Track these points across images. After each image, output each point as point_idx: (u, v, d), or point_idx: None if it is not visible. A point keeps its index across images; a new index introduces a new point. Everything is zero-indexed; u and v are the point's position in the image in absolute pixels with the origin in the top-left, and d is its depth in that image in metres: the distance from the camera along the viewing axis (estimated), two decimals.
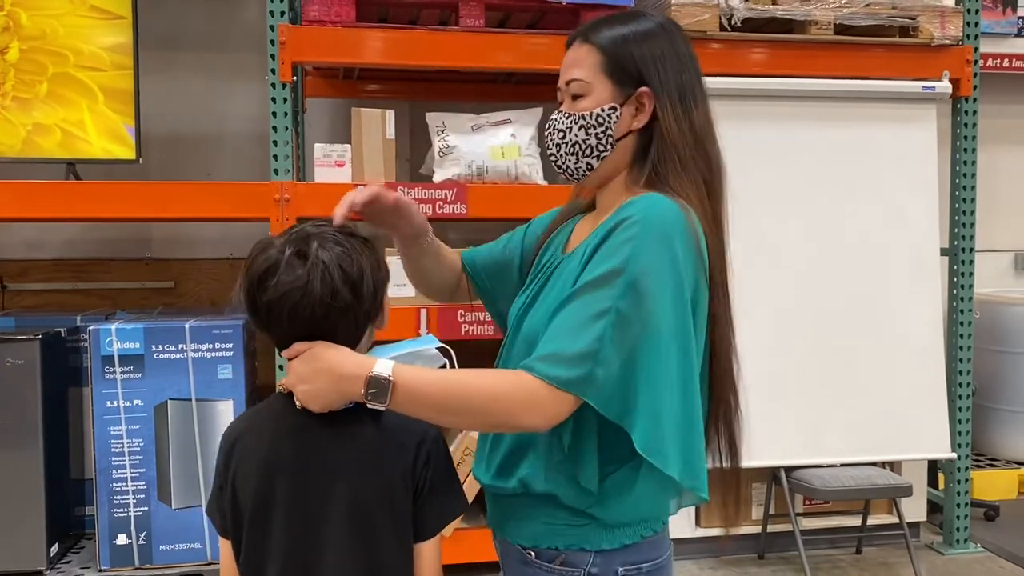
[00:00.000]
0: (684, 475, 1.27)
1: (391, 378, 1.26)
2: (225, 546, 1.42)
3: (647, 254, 1.24)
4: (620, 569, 1.35)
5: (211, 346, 3.20)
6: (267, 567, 1.33)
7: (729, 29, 3.43)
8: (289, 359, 1.32)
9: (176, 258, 4.16)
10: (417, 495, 1.35)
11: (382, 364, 1.27)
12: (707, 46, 3.46)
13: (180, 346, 3.18)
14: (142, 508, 3.14)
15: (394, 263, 3.48)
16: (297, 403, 1.33)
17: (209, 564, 3.22)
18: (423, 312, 3.27)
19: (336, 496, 1.31)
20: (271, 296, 1.30)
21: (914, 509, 3.75)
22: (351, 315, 1.32)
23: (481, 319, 3.32)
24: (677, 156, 1.35)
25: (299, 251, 1.31)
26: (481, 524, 3.48)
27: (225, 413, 3.22)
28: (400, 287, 3.30)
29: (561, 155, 1.45)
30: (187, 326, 3.18)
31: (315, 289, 1.28)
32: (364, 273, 1.33)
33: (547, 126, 1.50)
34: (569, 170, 1.46)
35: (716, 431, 1.40)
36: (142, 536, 3.15)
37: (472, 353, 4.26)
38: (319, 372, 1.30)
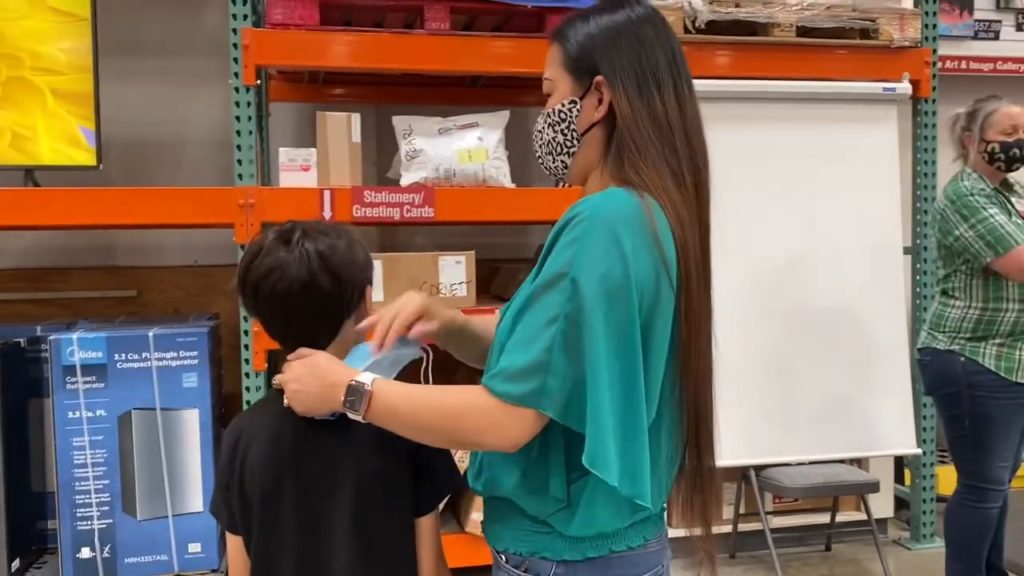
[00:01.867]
0: (623, 483, 1.19)
1: (369, 388, 1.27)
2: (234, 541, 1.46)
3: (590, 257, 1.18)
4: None
5: (176, 354, 3.15)
6: (280, 558, 1.37)
7: (693, 31, 3.45)
8: (290, 360, 1.38)
9: (138, 266, 4.09)
10: (416, 474, 1.41)
11: (366, 376, 1.29)
12: None
13: (144, 355, 3.12)
14: (106, 521, 3.08)
15: (377, 267, 3.46)
16: (285, 400, 1.37)
17: (177, 575, 3.17)
18: None
19: (342, 485, 1.36)
20: (255, 276, 1.37)
21: (881, 505, 3.80)
22: (329, 302, 1.39)
23: None
24: (635, 145, 1.28)
25: (284, 238, 1.39)
26: (455, 530, 3.46)
27: (191, 422, 3.17)
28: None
29: (542, 155, 1.45)
30: (151, 334, 3.12)
31: (292, 270, 1.35)
32: (344, 264, 1.39)
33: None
34: (550, 169, 1.44)
35: (693, 435, 1.32)
36: (106, 549, 3.08)
37: (443, 357, 4.23)
38: (312, 375, 1.33)
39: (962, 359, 2.83)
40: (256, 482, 1.38)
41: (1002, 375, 2.79)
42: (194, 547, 3.18)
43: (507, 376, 1.20)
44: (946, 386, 2.89)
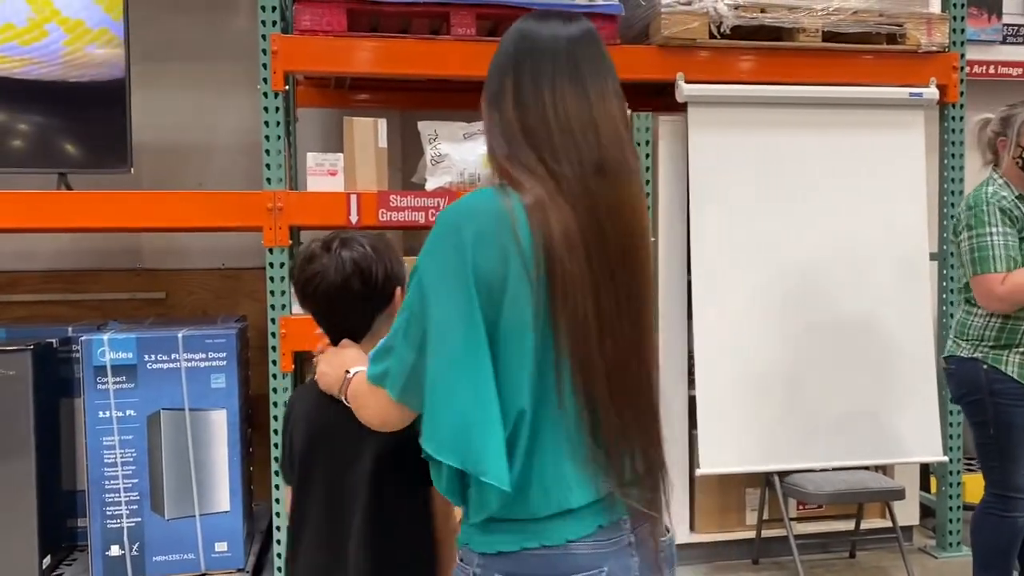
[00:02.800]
0: (466, 462, 1.19)
1: (349, 377, 1.52)
2: (288, 491, 1.73)
3: (429, 251, 1.28)
4: None
5: (204, 355, 3.19)
6: (312, 511, 1.63)
7: (718, 37, 3.46)
8: (328, 348, 1.66)
9: (167, 268, 4.15)
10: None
11: (357, 368, 1.51)
12: (696, 54, 3.48)
13: (173, 356, 3.17)
14: (135, 519, 3.13)
15: None
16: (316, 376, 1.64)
17: (203, 574, 3.21)
18: None
19: (362, 456, 1.57)
20: (302, 278, 1.65)
21: (907, 513, 3.76)
22: (360, 302, 1.64)
23: None
24: (506, 148, 1.31)
25: (326, 247, 1.65)
26: None
27: (219, 423, 3.21)
28: None
29: None
30: (180, 335, 3.17)
31: (330, 274, 1.61)
32: (374, 270, 1.62)
33: None
34: None
35: (621, 427, 1.27)
36: (135, 547, 3.13)
37: None
38: (333, 362, 1.59)
39: (985, 367, 2.81)
40: (297, 447, 1.66)
41: None
42: (220, 546, 3.22)
43: (371, 359, 1.38)
44: (970, 394, 2.88)
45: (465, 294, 1.21)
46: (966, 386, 2.89)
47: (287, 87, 3.35)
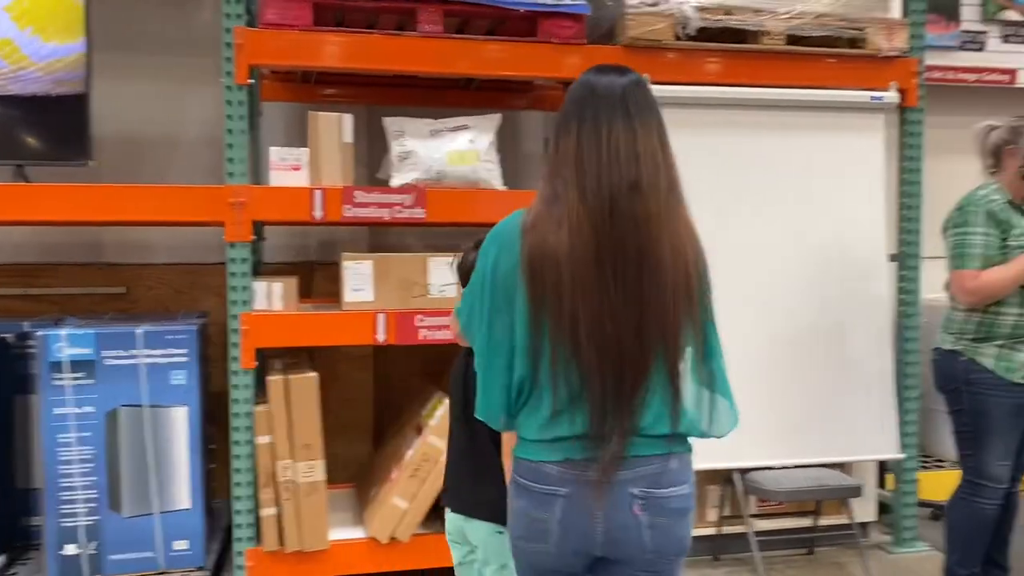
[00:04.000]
0: (480, 412, 1.75)
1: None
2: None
3: (479, 257, 1.76)
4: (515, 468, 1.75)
5: (164, 351, 3.15)
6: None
7: (684, 39, 3.48)
8: None
9: (128, 263, 4.09)
10: None
11: None
12: (662, 55, 3.51)
13: (132, 351, 3.13)
14: (92, 517, 3.08)
15: (350, 268, 3.47)
16: None
17: (162, 573, 3.17)
18: (381, 317, 3.26)
19: (460, 394, 2.27)
20: (466, 264, 2.23)
21: (864, 509, 3.83)
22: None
23: (439, 324, 3.32)
24: (542, 177, 1.72)
25: (478, 245, 1.90)
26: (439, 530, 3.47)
27: (179, 420, 3.17)
28: (358, 291, 3.30)
29: None
30: (140, 331, 3.13)
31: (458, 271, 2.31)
32: (462, 265, 2.27)
33: None
34: None
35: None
36: (92, 546, 3.09)
37: (433, 357, 4.24)
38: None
39: (963, 359, 2.98)
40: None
41: (1000, 375, 2.92)
42: (180, 544, 3.19)
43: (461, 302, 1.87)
44: (949, 384, 3.05)
45: (493, 292, 1.68)
46: (946, 376, 3.07)
47: (251, 81, 3.32)
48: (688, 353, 1.66)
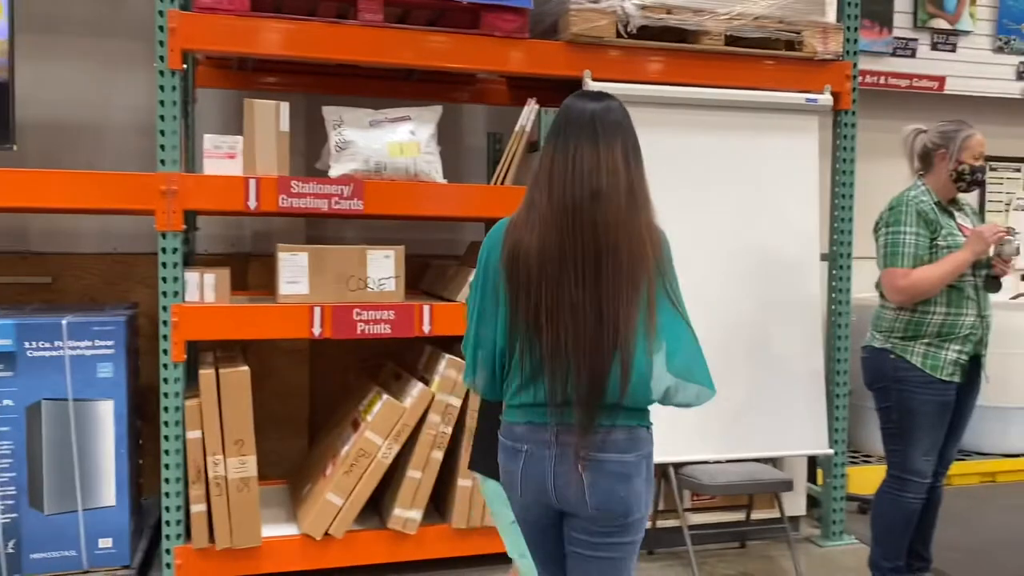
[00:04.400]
0: (465, 378, 2.10)
1: None
2: None
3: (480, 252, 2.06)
4: None
5: (91, 343, 3.05)
6: None
7: (626, 36, 3.50)
8: None
9: (54, 252, 3.95)
10: None
11: None
12: (605, 52, 3.52)
13: (56, 343, 3.02)
14: (11, 515, 2.97)
15: (286, 259, 3.41)
16: None
17: (85, 572, 3.07)
18: (317, 310, 3.21)
19: None
20: None
21: (795, 504, 3.91)
22: None
23: (378, 317, 3.28)
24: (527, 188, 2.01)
25: None
26: (375, 526, 3.44)
27: (105, 413, 3.08)
28: (293, 284, 3.25)
29: None
30: (64, 322, 3.03)
31: None
32: None
33: None
34: None
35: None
36: (11, 544, 2.98)
37: (371, 352, 4.20)
38: None
39: (892, 356, 3.05)
40: None
41: (927, 372, 2.99)
42: (105, 542, 3.10)
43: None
44: (878, 381, 3.12)
45: (484, 281, 2.01)
46: (875, 374, 3.14)
47: (185, 66, 3.23)
48: (642, 337, 1.88)
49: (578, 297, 1.86)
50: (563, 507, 1.92)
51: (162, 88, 3.07)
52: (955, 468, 3.55)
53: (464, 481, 3.38)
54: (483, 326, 2.01)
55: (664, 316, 1.91)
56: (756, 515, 3.86)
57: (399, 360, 3.92)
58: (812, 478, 4.20)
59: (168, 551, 3.15)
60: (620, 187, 1.90)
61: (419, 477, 3.32)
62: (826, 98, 3.76)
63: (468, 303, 2.10)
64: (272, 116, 3.20)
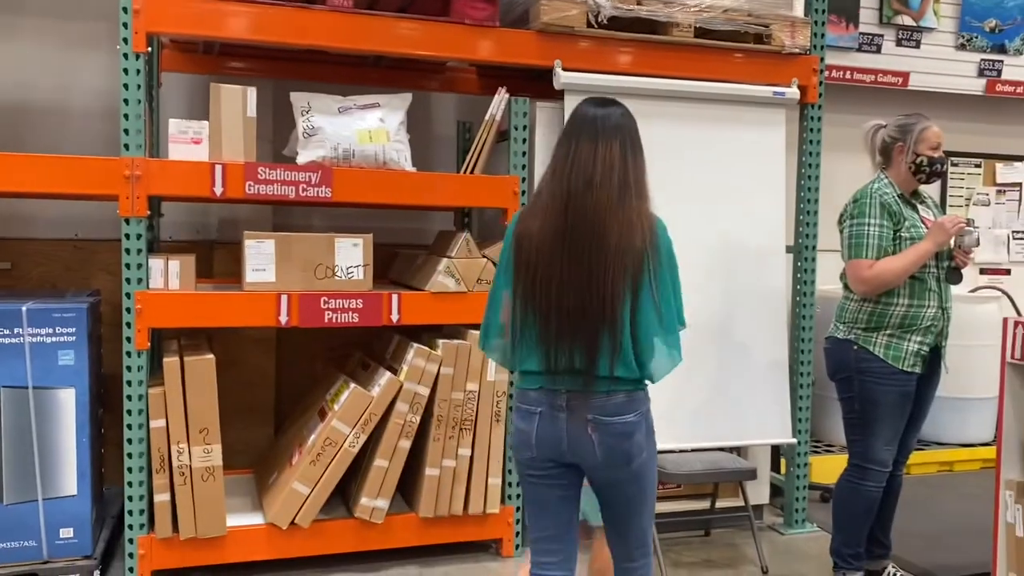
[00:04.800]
0: (480, 344, 2.39)
1: None
2: None
3: None
4: None
5: (51, 330, 3.00)
6: None
7: (596, 26, 3.51)
8: None
9: (14, 237, 3.87)
10: None
11: None
12: (575, 42, 3.52)
13: (16, 330, 2.97)
14: None
15: (252, 247, 3.37)
16: None
17: (46, 562, 3.03)
18: (284, 298, 3.19)
19: None
20: None
21: (758, 492, 3.97)
22: None
23: (345, 306, 3.26)
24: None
25: None
26: (341, 515, 3.43)
27: (66, 401, 3.03)
28: (260, 271, 3.21)
29: None
30: (24, 309, 2.97)
31: None
32: None
33: None
34: None
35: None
36: None
37: (338, 341, 4.17)
38: None
39: (855, 347, 3.09)
40: None
41: (889, 363, 3.04)
42: (66, 532, 3.05)
43: None
44: (841, 371, 3.16)
45: (502, 266, 2.26)
46: (838, 364, 3.18)
47: (150, 49, 3.18)
48: (627, 312, 2.10)
49: (571, 275, 2.09)
50: (575, 460, 2.18)
51: (126, 71, 3.02)
52: (914, 457, 3.61)
53: (432, 470, 3.38)
54: (494, 301, 2.29)
55: (643, 296, 2.12)
56: (721, 503, 3.91)
57: (367, 349, 3.90)
58: (776, 467, 4.26)
59: (131, 541, 3.11)
60: (614, 178, 2.13)
61: (386, 466, 3.31)
62: (793, 91, 3.80)
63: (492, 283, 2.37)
64: (239, 101, 3.16)
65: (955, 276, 3.11)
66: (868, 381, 3.06)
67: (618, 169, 2.14)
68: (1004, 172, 5.73)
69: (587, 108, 2.22)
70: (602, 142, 2.16)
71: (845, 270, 3.14)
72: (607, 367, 2.09)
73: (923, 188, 3.22)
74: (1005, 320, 2.73)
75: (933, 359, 3.14)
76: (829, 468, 4.61)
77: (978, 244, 3.11)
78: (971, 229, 3.07)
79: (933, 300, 3.06)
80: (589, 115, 2.20)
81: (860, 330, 3.09)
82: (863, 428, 3.10)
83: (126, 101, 3.02)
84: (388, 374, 3.32)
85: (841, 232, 3.16)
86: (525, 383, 2.22)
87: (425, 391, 3.33)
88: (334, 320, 3.26)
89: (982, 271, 5.61)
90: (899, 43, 5.20)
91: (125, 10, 2.99)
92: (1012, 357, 2.68)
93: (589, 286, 2.08)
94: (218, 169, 3.10)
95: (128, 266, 3.03)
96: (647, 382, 2.21)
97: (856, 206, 3.10)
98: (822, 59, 3.91)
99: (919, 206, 3.16)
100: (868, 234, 3.03)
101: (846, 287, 3.18)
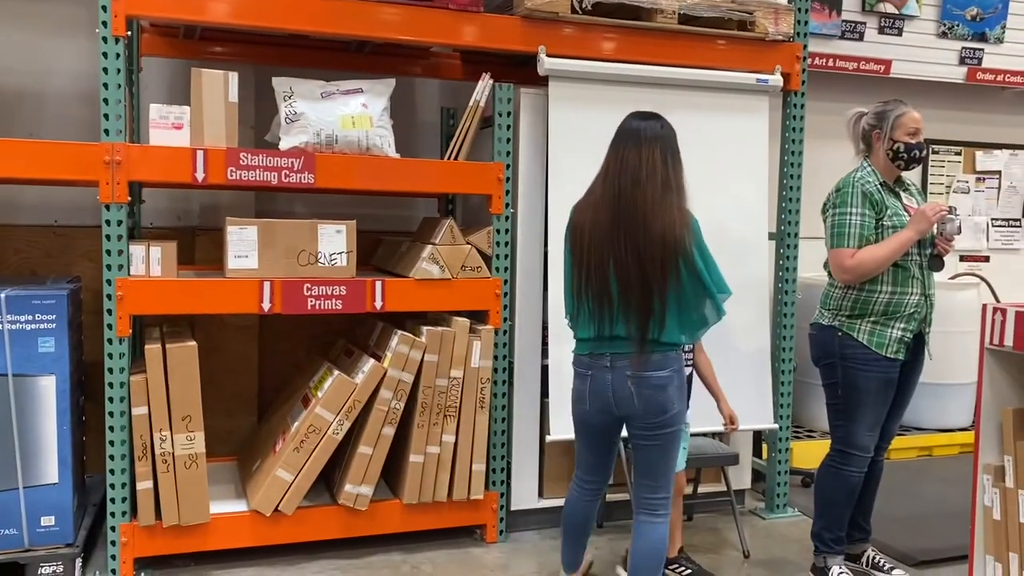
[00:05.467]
0: (566, 315, 2.83)
1: None
2: None
3: None
4: None
5: (31, 317, 2.97)
6: None
7: (581, 12, 3.50)
8: None
9: None
10: None
11: None
12: (560, 28, 3.52)
13: None
14: None
15: (235, 233, 3.35)
16: None
17: (27, 551, 3.01)
18: (267, 285, 3.17)
19: None
20: None
21: (740, 478, 4.00)
22: None
23: (329, 293, 3.25)
24: None
25: None
26: (325, 502, 3.43)
27: (47, 389, 3.01)
28: (242, 258, 3.20)
29: None
30: (3, 296, 2.94)
31: None
32: None
33: None
34: None
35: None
36: None
37: (321, 329, 4.16)
38: None
39: (839, 334, 3.12)
40: None
41: (873, 349, 3.06)
42: (47, 520, 3.03)
43: None
44: (825, 358, 3.19)
45: (565, 251, 2.78)
46: (822, 350, 3.20)
47: (130, 33, 3.14)
48: (670, 287, 2.58)
49: (622, 259, 2.56)
50: (620, 412, 2.68)
51: (105, 55, 2.98)
52: (894, 443, 3.64)
53: (416, 457, 3.38)
54: (566, 283, 2.76)
55: (685, 279, 2.58)
56: (703, 488, 3.93)
57: (350, 336, 3.89)
58: (757, 452, 4.29)
59: (113, 528, 3.10)
60: (657, 179, 2.58)
61: (370, 453, 3.31)
62: (776, 79, 3.81)
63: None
64: (220, 86, 3.13)
65: (937, 263, 3.13)
66: (851, 367, 3.09)
67: (660, 171, 2.59)
68: (984, 160, 5.78)
69: (632, 121, 2.69)
70: (645, 148, 2.61)
71: (828, 259, 3.16)
72: (653, 332, 2.57)
73: (906, 175, 3.24)
74: (984, 307, 2.76)
75: (916, 346, 3.16)
76: (810, 453, 4.66)
77: (960, 231, 3.13)
78: (953, 217, 3.09)
79: (916, 287, 3.09)
80: (633, 127, 2.67)
81: (844, 317, 3.12)
82: (846, 414, 3.13)
83: (106, 85, 2.99)
84: (372, 361, 3.32)
85: (824, 221, 3.17)
86: (579, 349, 2.74)
87: (409, 378, 3.33)
88: (317, 307, 3.24)
89: (962, 258, 5.66)
90: (881, 31, 5.22)
91: None
92: (991, 343, 2.71)
93: (640, 269, 2.54)
94: (199, 155, 3.08)
95: (109, 253, 3.01)
96: (682, 342, 2.69)
97: (839, 195, 3.12)
98: (805, 46, 3.92)
99: (902, 194, 3.18)
100: (850, 223, 3.05)
101: (830, 275, 3.20)
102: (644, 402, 2.62)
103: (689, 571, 3.28)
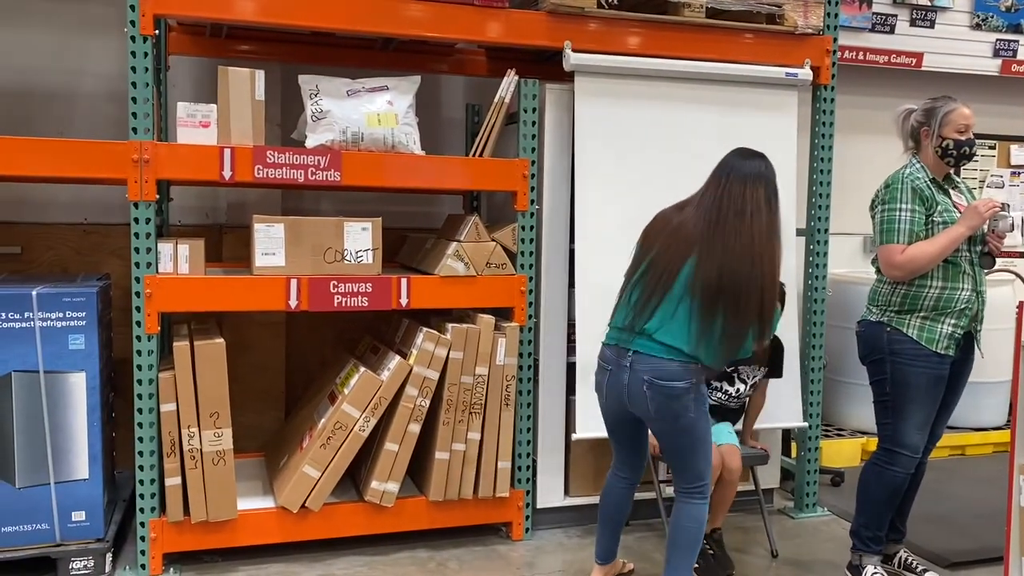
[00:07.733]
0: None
1: None
2: None
3: None
4: None
5: (62, 315, 3.01)
6: None
7: (606, 7, 3.47)
8: None
9: (24, 221, 3.88)
10: None
11: None
12: (585, 23, 3.49)
13: (27, 314, 2.97)
14: None
15: (262, 231, 3.37)
16: None
17: (58, 545, 3.05)
18: (293, 282, 3.18)
19: None
20: None
21: (769, 476, 3.95)
22: None
23: (355, 290, 3.26)
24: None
25: None
26: (351, 499, 3.44)
27: (77, 385, 3.04)
28: (269, 255, 3.21)
29: None
30: (34, 293, 2.97)
31: None
32: None
33: None
34: None
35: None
36: None
37: (347, 325, 4.18)
38: None
39: (888, 329, 3.06)
40: None
41: (923, 344, 3.00)
42: (78, 515, 3.07)
43: None
44: (873, 354, 3.13)
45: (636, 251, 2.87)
46: (870, 347, 3.14)
47: (157, 32, 3.16)
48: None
49: (708, 274, 2.60)
50: (634, 412, 2.75)
51: (133, 54, 3.00)
52: None
53: (441, 454, 3.38)
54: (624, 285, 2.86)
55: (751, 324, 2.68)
56: None
57: (376, 333, 3.90)
58: (787, 451, 4.24)
59: (143, 524, 3.13)
60: (762, 219, 2.66)
61: (396, 450, 3.31)
62: (806, 72, 3.75)
63: None
64: (247, 84, 3.15)
65: (988, 261, 3.07)
66: (901, 362, 3.02)
67: (764, 212, 2.67)
68: (1019, 154, 5.67)
69: (733, 158, 2.78)
70: (750, 185, 2.69)
71: (877, 255, 3.10)
72: (685, 344, 2.64)
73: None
74: (1020, 303, 2.70)
75: (967, 344, 3.09)
76: (840, 452, 4.61)
77: (1012, 228, 3.06)
78: (1005, 214, 3.04)
79: (967, 283, 3.02)
80: (738, 162, 2.76)
81: (893, 312, 3.06)
82: (894, 411, 3.06)
83: (134, 84, 3.01)
84: (398, 358, 3.32)
85: (873, 217, 3.12)
86: (608, 337, 2.83)
87: (435, 375, 3.33)
88: (343, 304, 3.25)
89: None
90: (913, 23, 5.13)
91: None
92: None
93: (716, 291, 2.60)
94: (227, 153, 3.09)
95: (137, 250, 3.03)
96: (701, 361, 2.67)
97: (888, 191, 3.06)
98: (835, 39, 3.86)
99: (951, 191, 3.11)
100: (900, 219, 3.00)
101: (879, 271, 3.14)
102: (657, 407, 2.67)
103: (711, 551, 3.32)
